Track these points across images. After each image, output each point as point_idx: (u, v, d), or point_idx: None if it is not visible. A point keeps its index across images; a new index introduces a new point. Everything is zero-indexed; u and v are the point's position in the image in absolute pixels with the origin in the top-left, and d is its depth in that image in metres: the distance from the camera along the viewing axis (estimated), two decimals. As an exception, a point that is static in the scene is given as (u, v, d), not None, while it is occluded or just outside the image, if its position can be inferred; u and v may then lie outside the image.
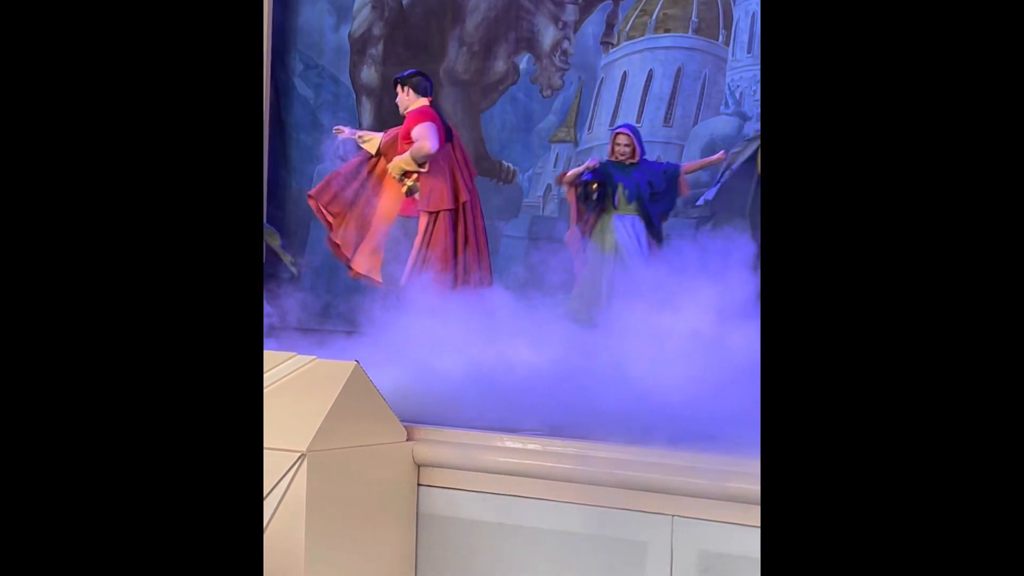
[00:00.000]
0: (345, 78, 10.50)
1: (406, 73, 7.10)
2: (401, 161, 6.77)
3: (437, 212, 6.76)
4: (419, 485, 4.33)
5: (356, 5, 10.46)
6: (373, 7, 10.39)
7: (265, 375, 4.31)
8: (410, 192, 6.78)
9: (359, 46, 10.46)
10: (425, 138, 6.67)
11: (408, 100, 6.92)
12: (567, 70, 9.94)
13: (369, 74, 10.41)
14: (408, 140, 6.77)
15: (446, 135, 6.85)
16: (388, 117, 10.23)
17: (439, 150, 6.72)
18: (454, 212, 6.77)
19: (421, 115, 6.79)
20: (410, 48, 10.29)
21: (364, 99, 10.43)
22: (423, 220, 6.80)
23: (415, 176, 6.78)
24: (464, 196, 6.80)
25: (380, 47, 10.41)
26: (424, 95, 6.91)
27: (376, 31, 10.42)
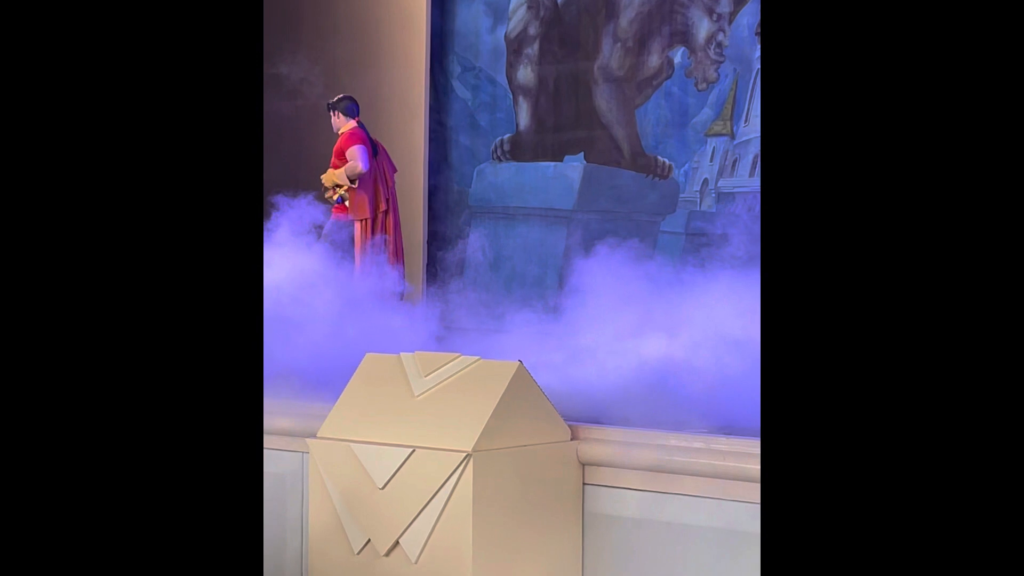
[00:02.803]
0: (502, 79, 10.56)
1: (335, 99, 8.30)
2: (335, 176, 8.05)
3: (363, 220, 8.10)
4: (584, 484, 4.33)
5: (512, 5, 10.50)
6: (528, 7, 10.42)
7: (430, 375, 4.36)
8: (340, 200, 8.09)
9: (515, 46, 10.51)
10: (357, 159, 7.98)
11: (339, 122, 8.22)
12: (722, 62, 9.84)
13: (525, 74, 10.45)
14: (342, 158, 8.06)
15: (373, 151, 8.17)
16: (545, 116, 10.26)
17: (367, 168, 8.06)
18: (374, 220, 8.12)
19: (352, 137, 8.09)
20: (565, 46, 10.31)
21: (521, 99, 10.48)
22: (356, 226, 8.12)
23: (345, 187, 8.07)
24: (383, 206, 8.19)
25: (536, 46, 10.44)
26: (352, 116, 8.20)
27: (532, 31, 10.45)
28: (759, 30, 9.76)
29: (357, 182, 8.05)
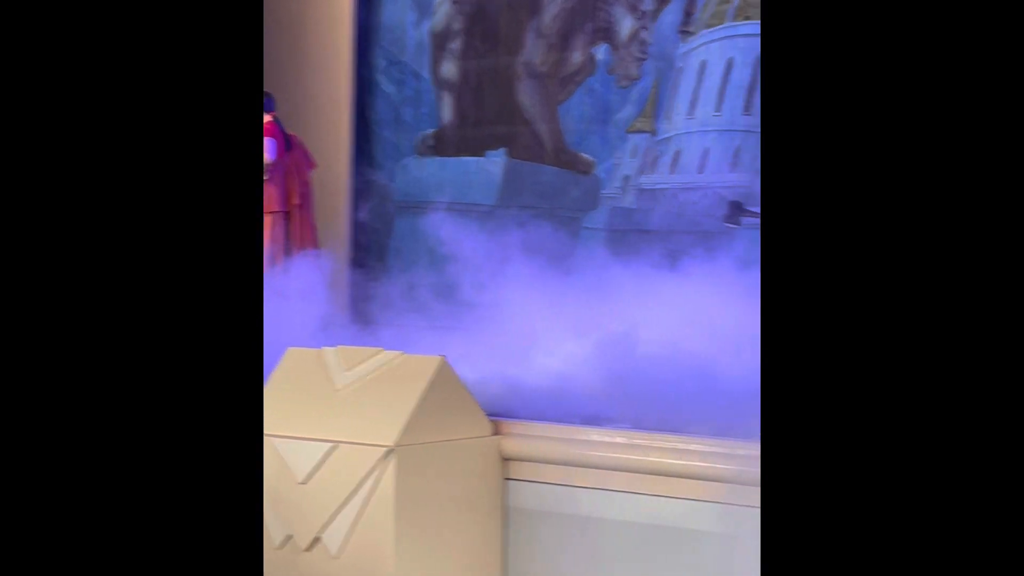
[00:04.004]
0: (426, 73, 10.53)
1: None
2: None
3: (273, 213, 8.19)
4: (506, 479, 4.34)
5: (436, 0, 10.49)
6: (453, 2, 10.41)
7: (353, 370, 4.34)
8: None
9: (439, 41, 10.49)
10: (263, 151, 8.10)
11: None
12: (645, 60, 9.89)
13: (449, 69, 10.43)
14: None
15: (286, 145, 8.36)
16: (468, 111, 10.26)
17: (276, 160, 8.20)
18: (288, 214, 8.28)
19: (264, 130, 8.23)
20: (488, 41, 10.31)
21: (444, 94, 10.46)
22: (267, 219, 8.17)
23: None
24: (296, 200, 8.33)
25: (460, 41, 10.43)
26: (268, 111, 8.35)
27: (456, 26, 10.44)
28: (681, 28, 9.83)
29: (267, 175, 8.16)
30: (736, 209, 7.38)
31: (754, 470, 3.77)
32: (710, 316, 4.91)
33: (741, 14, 9.70)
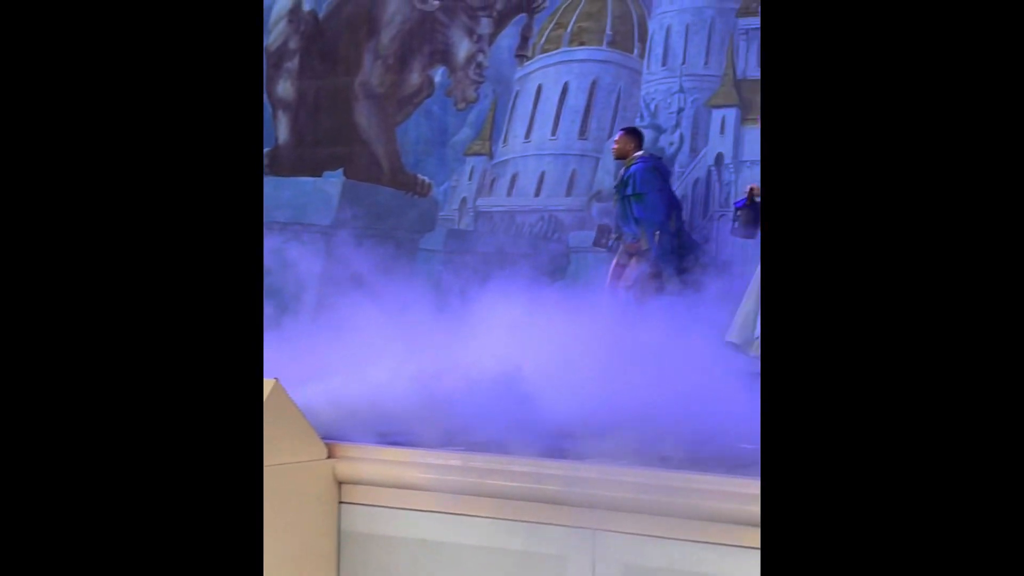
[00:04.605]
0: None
1: None
2: None
3: None
4: (341, 502, 4.30)
5: (272, 18, 10.39)
6: (289, 20, 10.32)
7: (183, 394, 4.26)
8: None
9: (275, 60, 10.39)
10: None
11: None
12: (482, 83, 9.95)
13: (285, 88, 10.34)
14: None
15: None
16: (304, 131, 10.18)
17: None
18: None
19: None
20: (326, 61, 10.25)
21: (280, 113, 10.36)
22: None
23: None
24: None
25: (296, 60, 10.35)
26: None
27: (292, 44, 10.36)
28: (518, 52, 9.91)
29: None
30: (605, 233, 7.44)
31: (590, 492, 3.80)
32: (542, 339, 4.95)
33: (576, 39, 9.83)
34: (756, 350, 6.18)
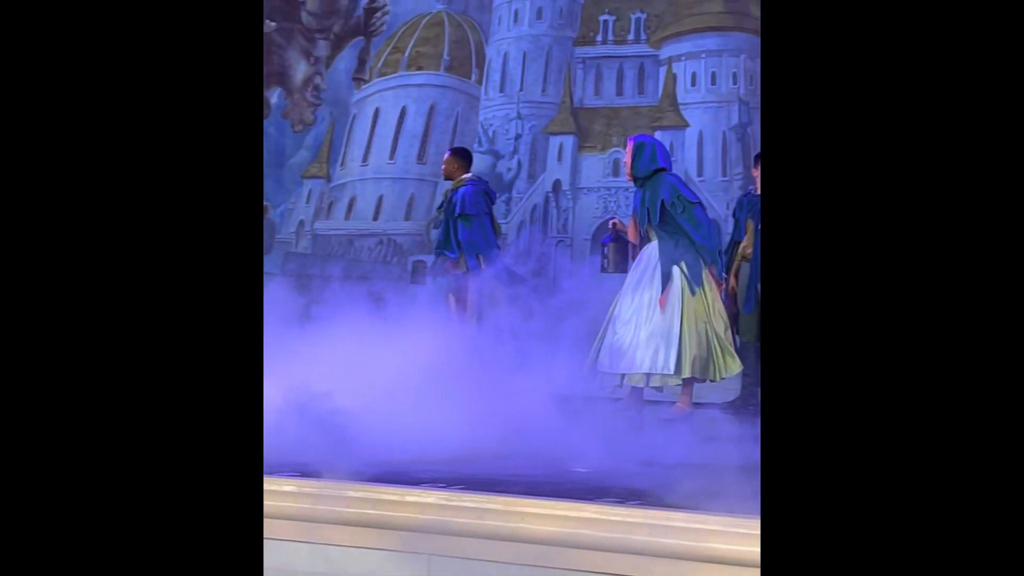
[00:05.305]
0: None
1: None
2: None
3: None
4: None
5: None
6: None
7: None
8: None
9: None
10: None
11: None
12: (319, 105, 9.91)
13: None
14: None
15: None
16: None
17: None
18: None
19: None
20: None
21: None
22: None
23: None
24: None
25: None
26: None
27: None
28: (356, 75, 9.88)
29: None
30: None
31: (423, 517, 3.79)
32: (370, 365, 4.92)
33: (414, 64, 9.85)
34: (639, 381, 6.25)
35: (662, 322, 6.25)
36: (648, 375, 6.20)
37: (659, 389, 6.39)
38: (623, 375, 6.28)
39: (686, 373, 6.17)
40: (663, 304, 6.32)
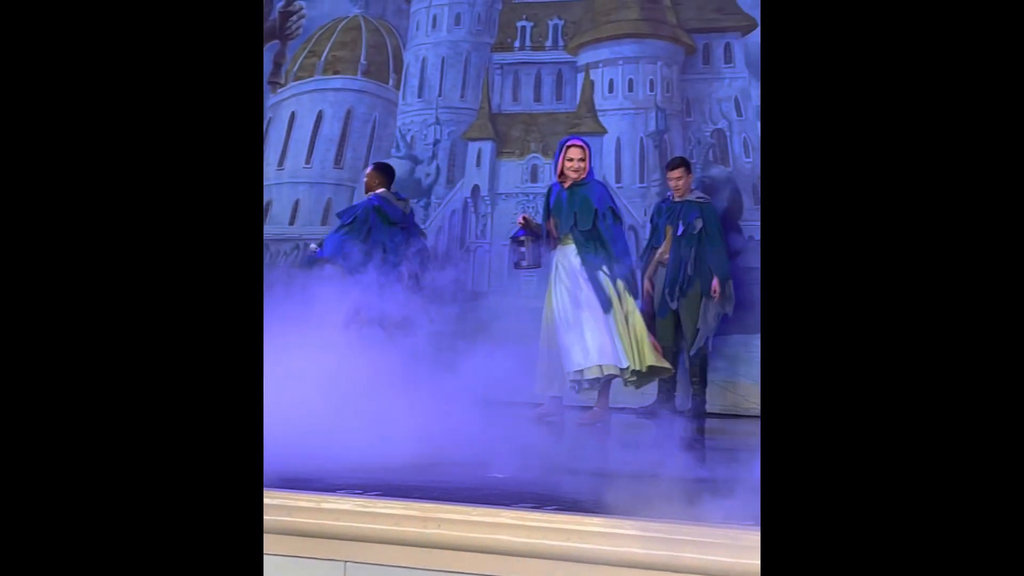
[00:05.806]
0: None
1: None
2: None
3: None
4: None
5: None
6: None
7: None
8: None
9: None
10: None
11: None
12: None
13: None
14: None
15: None
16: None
17: None
18: None
19: None
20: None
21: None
22: None
23: None
24: None
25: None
26: None
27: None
28: (271, 79, 9.81)
29: None
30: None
31: (340, 523, 3.77)
32: (285, 373, 4.89)
33: (330, 68, 9.79)
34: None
35: (606, 324, 6.55)
36: (601, 366, 6.51)
37: (623, 381, 6.70)
38: (581, 370, 6.51)
39: (636, 366, 6.55)
40: (606, 307, 6.57)
